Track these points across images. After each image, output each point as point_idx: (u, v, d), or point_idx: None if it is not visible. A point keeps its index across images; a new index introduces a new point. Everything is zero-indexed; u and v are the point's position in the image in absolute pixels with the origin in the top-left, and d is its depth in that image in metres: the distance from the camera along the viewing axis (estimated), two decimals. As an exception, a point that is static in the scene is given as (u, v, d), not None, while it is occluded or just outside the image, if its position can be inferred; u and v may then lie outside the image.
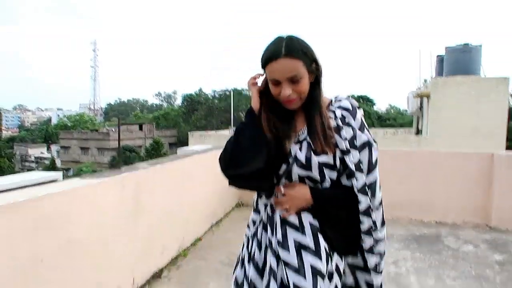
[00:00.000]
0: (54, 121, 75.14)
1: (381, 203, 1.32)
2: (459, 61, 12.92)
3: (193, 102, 44.36)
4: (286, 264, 1.28)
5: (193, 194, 4.03)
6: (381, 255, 1.37)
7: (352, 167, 1.27)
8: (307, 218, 1.31)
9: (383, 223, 1.34)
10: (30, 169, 35.50)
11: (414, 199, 4.90)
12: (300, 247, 1.28)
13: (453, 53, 13.30)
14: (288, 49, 1.21)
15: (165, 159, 3.87)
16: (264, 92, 1.34)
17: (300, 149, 1.29)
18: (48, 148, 50.68)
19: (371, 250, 1.34)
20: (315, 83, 1.30)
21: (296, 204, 1.31)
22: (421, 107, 14.81)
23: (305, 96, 1.28)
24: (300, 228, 1.30)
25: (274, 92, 1.28)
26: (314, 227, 1.30)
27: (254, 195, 1.51)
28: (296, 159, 1.29)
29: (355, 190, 1.28)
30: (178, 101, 69.28)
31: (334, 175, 1.30)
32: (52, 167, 34.55)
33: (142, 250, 3.05)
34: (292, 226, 1.31)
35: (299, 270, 1.25)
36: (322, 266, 1.26)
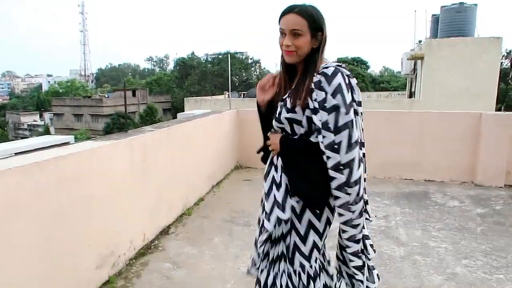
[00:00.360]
0: (44, 87, 73.89)
1: (353, 160, 1.43)
2: (454, 21, 12.89)
3: (186, 67, 43.69)
4: (266, 193, 1.63)
5: (195, 156, 4.22)
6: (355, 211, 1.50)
7: (318, 125, 1.43)
8: (279, 160, 1.60)
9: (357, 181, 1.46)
10: (24, 137, 35.37)
11: (405, 159, 5.14)
12: (273, 182, 1.61)
13: (448, 12, 13.24)
14: (299, 9, 1.45)
15: (169, 123, 4.03)
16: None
17: (281, 106, 1.54)
18: (41, 116, 50.29)
19: (345, 207, 1.48)
20: (317, 49, 1.49)
21: (275, 148, 1.60)
22: (414, 69, 14.89)
23: (302, 53, 1.48)
24: (276, 167, 1.61)
25: (280, 42, 1.51)
26: (282, 167, 1.59)
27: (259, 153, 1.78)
28: (275, 114, 1.57)
29: (322, 146, 1.43)
30: (171, 66, 68.29)
31: (303, 130, 1.51)
32: (46, 134, 34.48)
33: (151, 208, 3.28)
34: (273, 165, 1.63)
35: (268, 198, 1.61)
36: (278, 197, 1.57)
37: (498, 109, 12.61)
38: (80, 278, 2.41)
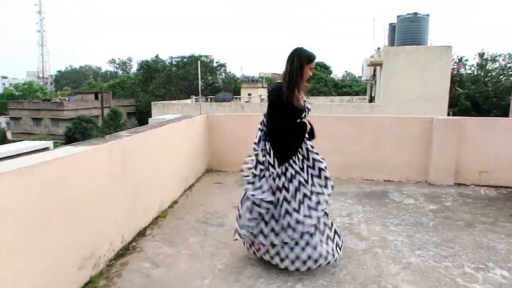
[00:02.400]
0: (-1, 90, 70.46)
1: None
2: (409, 30, 13.70)
3: (150, 70, 43.10)
4: None
5: (169, 160, 4.37)
6: None
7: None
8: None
9: None
10: (-23, 142, 33.61)
11: (366, 161, 5.51)
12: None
13: (404, 22, 14.05)
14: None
15: (144, 128, 4.17)
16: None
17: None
18: (-4, 120, 47.98)
19: None
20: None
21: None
22: (374, 75, 15.61)
23: None
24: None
25: (307, 73, 2.71)
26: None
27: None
28: (308, 109, 2.81)
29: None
30: (134, 69, 67.00)
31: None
32: (2, 139, 33.00)
33: (128, 210, 3.41)
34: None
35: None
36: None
37: (451, 113, 13.47)
38: (63, 279, 2.52)
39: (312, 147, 2.89)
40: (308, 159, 2.82)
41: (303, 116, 2.77)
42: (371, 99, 16.51)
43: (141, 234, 3.61)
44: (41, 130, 37.63)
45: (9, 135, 38.01)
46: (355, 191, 5.00)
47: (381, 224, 3.89)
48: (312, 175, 2.83)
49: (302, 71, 2.64)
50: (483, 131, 5.19)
